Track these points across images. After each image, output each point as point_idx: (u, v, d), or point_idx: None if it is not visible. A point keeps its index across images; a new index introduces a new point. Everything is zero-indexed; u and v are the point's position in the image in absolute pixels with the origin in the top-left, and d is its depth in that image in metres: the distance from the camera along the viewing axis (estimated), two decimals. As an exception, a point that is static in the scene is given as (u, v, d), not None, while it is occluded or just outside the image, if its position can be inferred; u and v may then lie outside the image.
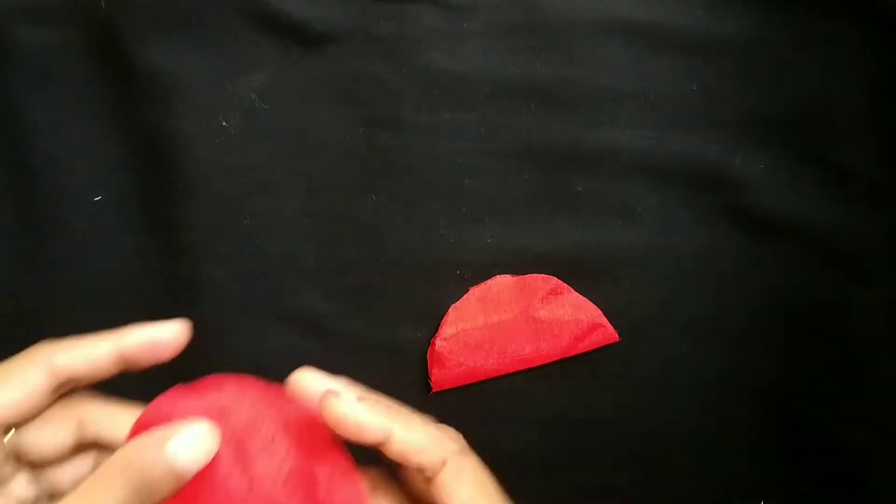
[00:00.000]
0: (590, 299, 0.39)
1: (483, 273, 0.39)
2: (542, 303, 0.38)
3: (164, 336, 0.28)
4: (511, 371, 0.38)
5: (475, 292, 0.39)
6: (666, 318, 0.39)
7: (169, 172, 0.39)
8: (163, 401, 0.26)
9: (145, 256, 0.40)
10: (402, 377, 0.39)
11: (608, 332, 0.38)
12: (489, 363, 0.38)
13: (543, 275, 0.39)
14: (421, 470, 0.27)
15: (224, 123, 0.40)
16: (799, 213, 0.39)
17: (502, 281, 0.39)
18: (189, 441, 0.25)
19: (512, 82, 0.40)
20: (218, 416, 0.25)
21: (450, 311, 0.39)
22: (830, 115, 0.40)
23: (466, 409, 0.39)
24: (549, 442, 0.39)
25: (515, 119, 0.40)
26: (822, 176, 0.39)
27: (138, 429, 0.26)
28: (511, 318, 0.38)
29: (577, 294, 0.39)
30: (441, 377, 0.38)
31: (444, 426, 0.29)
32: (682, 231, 0.39)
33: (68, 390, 0.28)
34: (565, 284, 0.39)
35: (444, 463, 0.27)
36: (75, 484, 0.26)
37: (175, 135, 0.39)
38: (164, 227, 0.40)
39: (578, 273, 0.39)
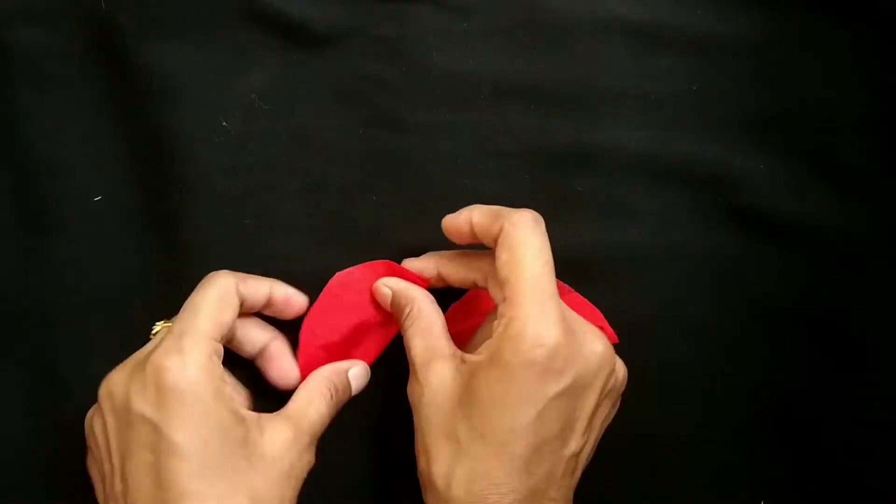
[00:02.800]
0: (589, 299, 0.39)
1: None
2: None
3: (297, 300, 0.37)
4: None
5: (476, 292, 0.39)
6: (666, 318, 0.39)
7: (169, 172, 0.39)
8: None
9: (145, 256, 0.40)
10: (403, 375, 0.39)
11: (608, 334, 0.38)
12: None
13: None
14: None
15: (224, 123, 0.40)
16: (799, 213, 0.39)
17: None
18: (358, 373, 0.37)
19: (512, 82, 0.40)
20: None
21: (450, 310, 0.39)
22: (830, 115, 0.40)
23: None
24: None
25: (515, 119, 0.40)
26: (822, 176, 0.39)
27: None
28: None
29: (577, 295, 0.39)
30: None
31: None
32: (682, 231, 0.39)
33: None
34: (566, 285, 0.39)
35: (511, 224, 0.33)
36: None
37: (175, 135, 0.39)
38: (164, 227, 0.40)
39: (578, 273, 0.39)
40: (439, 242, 0.39)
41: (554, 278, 0.32)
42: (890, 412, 0.38)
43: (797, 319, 0.39)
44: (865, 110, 0.39)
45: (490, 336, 0.32)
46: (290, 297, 0.37)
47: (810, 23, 0.40)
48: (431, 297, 0.36)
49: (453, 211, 0.39)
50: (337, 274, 0.38)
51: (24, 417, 0.39)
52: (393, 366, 0.39)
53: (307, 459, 0.33)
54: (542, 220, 0.33)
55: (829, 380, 0.39)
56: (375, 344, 0.38)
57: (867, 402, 0.38)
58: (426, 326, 0.34)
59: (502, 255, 0.32)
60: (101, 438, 0.32)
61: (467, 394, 0.31)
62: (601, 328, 0.38)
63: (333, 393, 0.36)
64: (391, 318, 0.38)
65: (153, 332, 0.35)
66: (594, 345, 0.32)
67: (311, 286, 0.39)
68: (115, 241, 0.39)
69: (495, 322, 0.32)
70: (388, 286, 0.37)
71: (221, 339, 0.33)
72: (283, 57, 0.40)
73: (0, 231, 0.40)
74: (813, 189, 0.39)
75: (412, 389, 0.34)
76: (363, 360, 0.38)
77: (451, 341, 0.34)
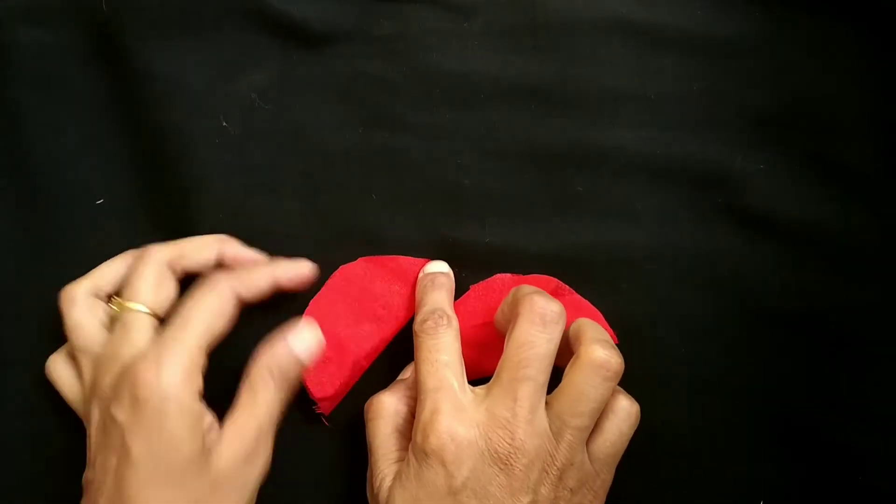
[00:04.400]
0: (589, 299, 0.39)
1: (482, 272, 0.39)
2: None
3: (298, 272, 0.38)
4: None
5: (476, 291, 0.39)
6: (666, 318, 0.39)
7: (169, 173, 0.40)
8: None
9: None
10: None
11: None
12: (490, 361, 0.38)
13: (545, 276, 0.39)
14: None
15: (224, 124, 0.40)
16: (799, 213, 0.39)
17: (504, 279, 0.39)
18: (301, 337, 0.35)
19: (512, 82, 0.40)
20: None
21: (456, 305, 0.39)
22: (830, 115, 0.40)
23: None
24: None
25: (515, 119, 0.40)
26: (822, 176, 0.39)
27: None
28: None
29: (577, 296, 0.39)
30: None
31: None
32: (682, 231, 0.39)
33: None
34: (566, 286, 0.39)
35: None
36: None
37: (175, 135, 0.39)
38: (165, 227, 0.40)
39: (578, 273, 0.39)
40: (439, 242, 0.40)
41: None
42: (890, 412, 0.38)
43: (797, 319, 0.39)
44: (865, 110, 0.39)
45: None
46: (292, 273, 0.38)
47: (810, 23, 0.40)
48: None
49: (453, 211, 0.40)
50: (341, 267, 0.39)
51: (24, 419, 0.39)
52: (395, 364, 0.39)
53: (260, 463, 0.33)
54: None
55: (829, 380, 0.38)
56: (378, 338, 0.38)
57: (867, 402, 0.38)
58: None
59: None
60: (91, 422, 0.33)
61: None
62: None
63: (275, 376, 0.34)
64: (394, 312, 0.38)
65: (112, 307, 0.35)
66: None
67: (312, 286, 0.39)
68: (114, 242, 0.39)
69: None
70: None
71: (209, 349, 0.33)
72: (283, 57, 0.40)
73: (0, 231, 0.40)
74: (813, 189, 0.39)
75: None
76: (366, 355, 0.38)
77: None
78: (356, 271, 0.39)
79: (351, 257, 0.39)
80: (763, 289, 0.39)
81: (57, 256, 0.40)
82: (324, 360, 0.37)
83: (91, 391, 0.34)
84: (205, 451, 0.32)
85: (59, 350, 0.37)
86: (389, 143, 0.40)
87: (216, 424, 0.33)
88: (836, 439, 0.38)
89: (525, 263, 0.39)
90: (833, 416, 0.38)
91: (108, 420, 0.32)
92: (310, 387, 0.37)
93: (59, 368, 0.36)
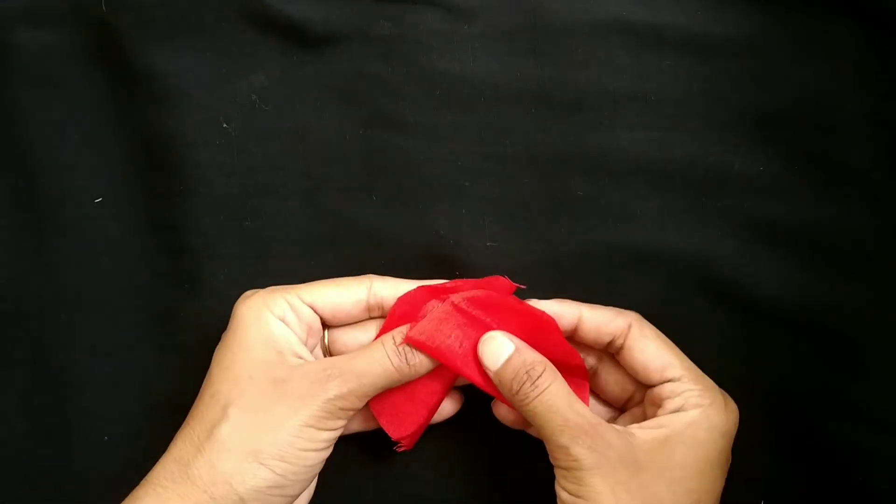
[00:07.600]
0: (589, 301, 0.38)
1: (483, 275, 0.39)
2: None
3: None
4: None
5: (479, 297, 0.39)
6: (666, 320, 0.39)
7: (169, 174, 0.40)
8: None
9: (146, 258, 0.40)
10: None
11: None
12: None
13: (499, 277, 0.38)
14: (612, 341, 0.36)
15: (224, 125, 0.40)
16: (799, 214, 0.39)
17: (502, 284, 0.38)
18: (493, 342, 0.35)
19: (512, 84, 0.40)
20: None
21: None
22: (830, 114, 0.40)
23: (465, 411, 0.39)
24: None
25: (515, 121, 0.40)
26: (822, 176, 0.39)
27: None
28: (514, 322, 0.38)
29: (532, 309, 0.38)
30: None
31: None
32: (682, 233, 0.39)
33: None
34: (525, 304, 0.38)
35: (629, 327, 0.35)
36: None
37: (175, 136, 0.39)
38: (164, 228, 0.40)
39: (578, 275, 0.39)
40: (438, 243, 0.40)
41: None
42: (890, 412, 0.38)
43: (797, 319, 0.39)
44: (865, 110, 0.39)
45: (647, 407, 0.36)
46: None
47: (810, 22, 0.40)
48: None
49: (453, 213, 0.39)
50: (401, 296, 0.37)
51: (24, 418, 0.39)
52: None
53: (335, 393, 0.33)
54: None
55: (829, 380, 0.39)
56: (452, 373, 0.37)
57: (867, 402, 0.38)
58: (564, 396, 0.34)
59: (651, 343, 0.35)
60: None
61: (641, 464, 0.33)
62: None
63: (397, 345, 0.35)
64: (469, 343, 0.36)
65: None
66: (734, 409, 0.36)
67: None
68: (115, 242, 0.39)
69: (663, 399, 0.35)
70: (510, 342, 0.35)
71: (323, 310, 0.36)
72: (284, 58, 0.40)
73: (0, 231, 0.40)
74: (813, 189, 0.39)
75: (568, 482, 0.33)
76: (441, 388, 0.37)
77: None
78: (417, 297, 0.36)
79: (351, 257, 0.39)
80: (763, 289, 0.39)
81: (57, 256, 0.40)
82: (397, 401, 0.36)
83: None
84: (281, 363, 0.34)
85: None
86: (389, 144, 0.40)
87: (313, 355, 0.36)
88: (836, 439, 0.38)
89: (525, 266, 0.39)
90: (833, 416, 0.38)
91: None
92: (387, 429, 0.36)
93: None
